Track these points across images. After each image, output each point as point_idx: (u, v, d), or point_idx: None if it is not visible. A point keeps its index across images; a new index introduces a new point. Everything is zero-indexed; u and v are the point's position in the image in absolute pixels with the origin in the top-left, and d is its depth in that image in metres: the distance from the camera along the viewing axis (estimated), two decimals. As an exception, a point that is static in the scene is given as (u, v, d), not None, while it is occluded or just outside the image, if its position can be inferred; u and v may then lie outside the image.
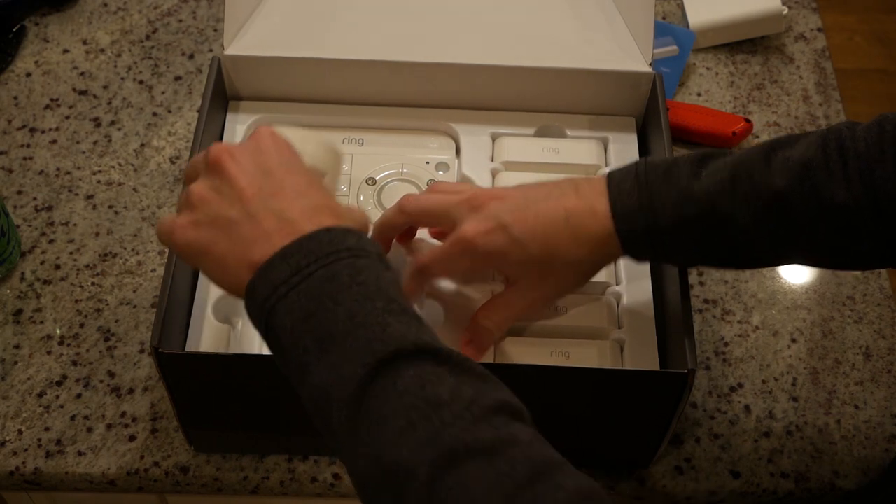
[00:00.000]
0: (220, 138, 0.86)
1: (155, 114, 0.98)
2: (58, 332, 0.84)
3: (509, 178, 0.84)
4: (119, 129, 0.97)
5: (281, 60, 0.86)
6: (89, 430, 0.79)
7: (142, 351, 0.83)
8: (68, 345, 0.83)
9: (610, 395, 0.71)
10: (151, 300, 0.86)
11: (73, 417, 0.79)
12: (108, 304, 0.85)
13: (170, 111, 0.99)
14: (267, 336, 0.57)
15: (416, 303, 0.74)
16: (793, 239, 0.65)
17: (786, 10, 1.05)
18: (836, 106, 1.02)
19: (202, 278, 0.78)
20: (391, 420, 0.51)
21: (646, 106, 0.87)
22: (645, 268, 0.80)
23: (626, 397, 0.71)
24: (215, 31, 1.05)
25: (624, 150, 0.87)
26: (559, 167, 0.84)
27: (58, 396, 0.80)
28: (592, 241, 0.67)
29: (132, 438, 0.79)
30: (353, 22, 0.89)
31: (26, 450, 0.78)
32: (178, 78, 1.02)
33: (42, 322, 0.84)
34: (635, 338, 0.76)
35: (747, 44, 1.07)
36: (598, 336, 0.77)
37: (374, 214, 0.80)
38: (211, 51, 1.04)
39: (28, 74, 1.02)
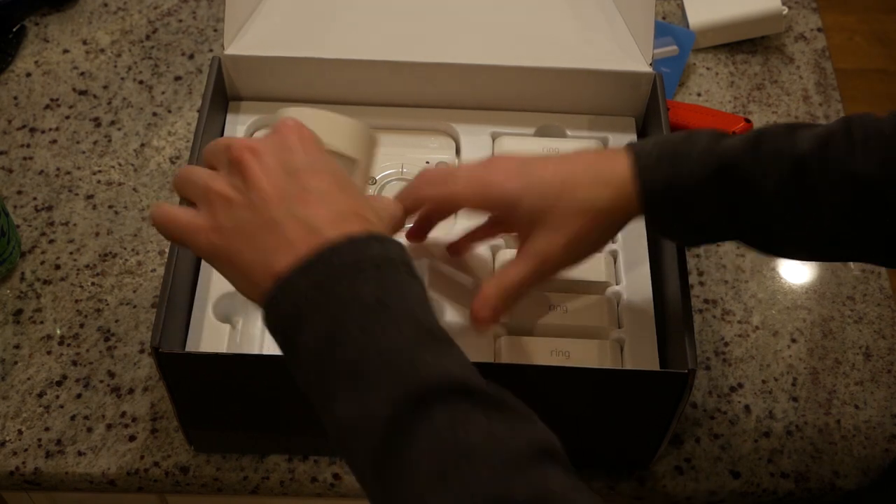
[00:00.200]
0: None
1: (155, 114, 0.98)
2: (58, 332, 0.84)
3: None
4: (119, 129, 0.97)
5: (281, 60, 0.86)
6: (89, 430, 0.79)
7: (142, 351, 0.83)
8: (68, 345, 0.83)
9: (610, 395, 0.71)
10: (151, 300, 0.86)
11: (73, 417, 0.79)
12: (108, 304, 0.85)
13: (170, 111, 0.99)
14: (285, 349, 0.55)
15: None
16: (813, 208, 0.63)
17: (786, 10, 1.05)
18: (836, 106, 1.02)
19: (202, 278, 0.78)
20: (421, 467, 0.48)
21: (646, 106, 0.87)
22: (645, 268, 0.80)
23: (626, 397, 0.71)
24: (215, 31, 1.05)
25: (624, 150, 0.87)
26: (559, 167, 0.84)
27: (58, 396, 0.80)
28: (613, 185, 0.65)
29: (132, 438, 0.79)
30: (353, 22, 0.89)
31: (26, 450, 0.78)
32: (178, 78, 1.02)
33: (42, 322, 0.84)
34: (635, 337, 0.76)
35: (747, 44, 1.07)
36: (599, 335, 0.77)
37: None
38: (211, 51, 1.04)
39: (28, 74, 1.02)
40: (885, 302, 0.88)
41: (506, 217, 0.69)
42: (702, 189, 0.64)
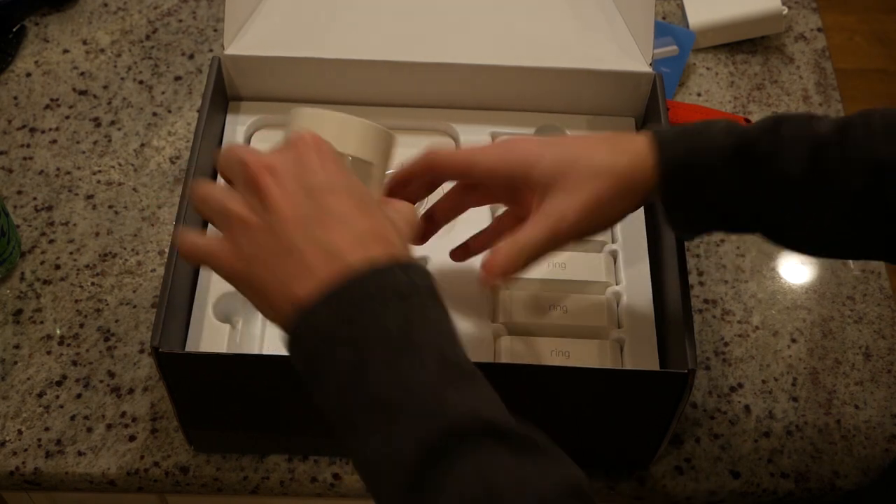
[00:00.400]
0: (220, 138, 0.86)
1: (155, 114, 0.98)
2: (58, 332, 0.84)
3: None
4: (119, 129, 0.97)
5: (281, 60, 0.86)
6: (89, 430, 0.79)
7: (142, 351, 0.83)
8: (68, 345, 0.83)
9: (610, 395, 0.71)
10: (151, 300, 0.86)
11: (73, 417, 0.79)
12: (108, 304, 0.85)
13: (170, 111, 0.99)
14: (307, 377, 0.54)
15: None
16: (829, 191, 0.63)
17: (786, 10, 1.05)
18: (836, 106, 1.02)
19: (202, 278, 0.78)
20: None
21: (646, 106, 0.87)
22: (645, 268, 0.80)
23: (626, 397, 0.71)
24: (215, 31, 1.05)
25: (624, 150, 0.87)
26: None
27: (58, 396, 0.80)
28: (631, 152, 0.65)
29: (132, 438, 0.79)
30: (353, 22, 0.89)
31: (26, 450, 0.78)
32: (178, 78, 1.02)
33: (42, 322, 0.84)
34: (635, 337, 0.76)
35: (747, 44, 1.07)
36: (598, 335, 0.77)
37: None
38: (211, 51, 1.04)
39: (28, 74, 1.02)
40: (885, 302, 0.88)
41: (521, 182, 0.66)
42: (720, 164, 0.63)
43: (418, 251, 0.76)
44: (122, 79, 1.01)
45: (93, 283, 0.87)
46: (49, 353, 0.83)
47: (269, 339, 0.80)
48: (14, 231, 0.86)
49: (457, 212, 0.72)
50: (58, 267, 0.87)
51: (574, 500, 0.49)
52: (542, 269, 0.79)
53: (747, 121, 0.96)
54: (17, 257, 0.87)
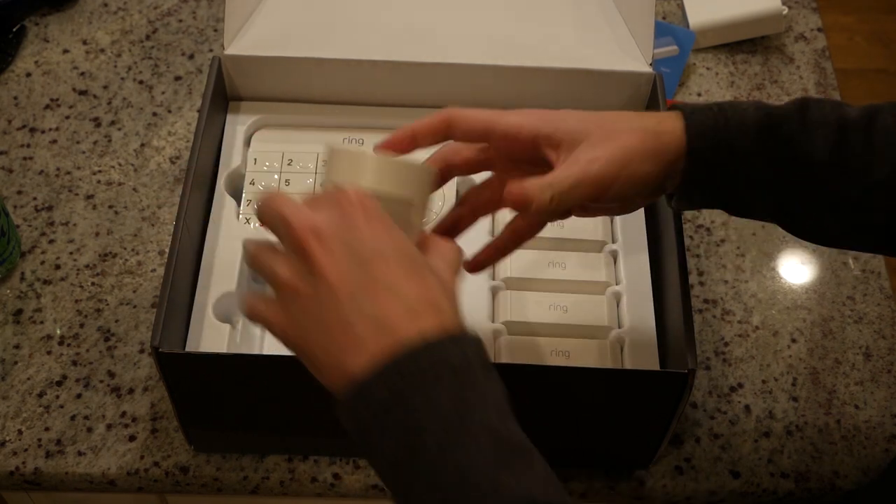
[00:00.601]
0: (221, 138, 0.86)
1: (155, 114, 0.98)
2: (58, 332, 0.84)
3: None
4: (119, 129, 0.97)
5: (281, 60, 0.86)
6: (89, 430, 0.79)
7: (142, 351, 0.83)
8: (68, 345, 0.83)
9: (610, 395, 0.71)
10: (151, 300, 0.86)
11: (73, 417, 0.79)
12: (108, 304, 0.85)
13: (170, 111, 0.99)
14: (361, 447, 0.53)
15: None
16: (853, 176, 0.62)
17: (786, 10, 1.05)
18: (836, 106, 1.02)
19: (202, 278, 0.78)
20: None
21: (646, 106, 0.87)
22: (645, 268, 0.80)
23: (626, 397, 0.71)
24: (215, 31, 1.05)
25: (624, 150, 0.87)
26: (559, 167, 0.84)
27: (58, 396, 0.80)
28: (659, 116, 0.64)
29: (132, 438, 0.79)
30: (354, 22, 0.89)
31: (26, 450, 0.78)
32: (178, 78, 1.02)
33: (42, 322, 0.84)
34: (635, 337, 0.76)
35: (747, 44, 1.07)
36: (599, 335, 0.77)
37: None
38: (211, 51, 1.04)
39: (28, 74, 1.02)
40: (885, 302, 0.88)
41: (545, 140, 0.64)
42: (747, 136, 0.63)
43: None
44: (122, 79, 1.01)
45: (93, 283, 0.87)
46: (49, 353, 0.83)
47: (269, 339, 0.80)
48: (14, 231, 0.86)
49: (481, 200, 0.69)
50: (58, 267, 0.87)
51: None
52: (543, 269, 0.79)
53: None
54: (17, 257, 0.87)
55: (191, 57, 1.03)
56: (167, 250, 0.80)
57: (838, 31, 2.25)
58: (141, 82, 1.01)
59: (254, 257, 0.56)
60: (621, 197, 0.64)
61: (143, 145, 0.96)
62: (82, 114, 0.98)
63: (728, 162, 0.63)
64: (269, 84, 0.87)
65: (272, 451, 0.78)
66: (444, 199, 0.82)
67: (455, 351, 0.52)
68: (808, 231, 0.67)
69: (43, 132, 0.97)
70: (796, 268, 0.91)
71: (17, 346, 0.83)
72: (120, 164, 0.95)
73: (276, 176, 0.84)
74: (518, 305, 0.78)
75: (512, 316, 0.77)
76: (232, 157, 0.85)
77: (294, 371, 0.56)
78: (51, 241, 0.89)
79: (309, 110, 0.88)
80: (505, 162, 0.66)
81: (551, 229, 0.70)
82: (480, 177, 0.68)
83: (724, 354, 0.84)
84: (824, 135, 0.62)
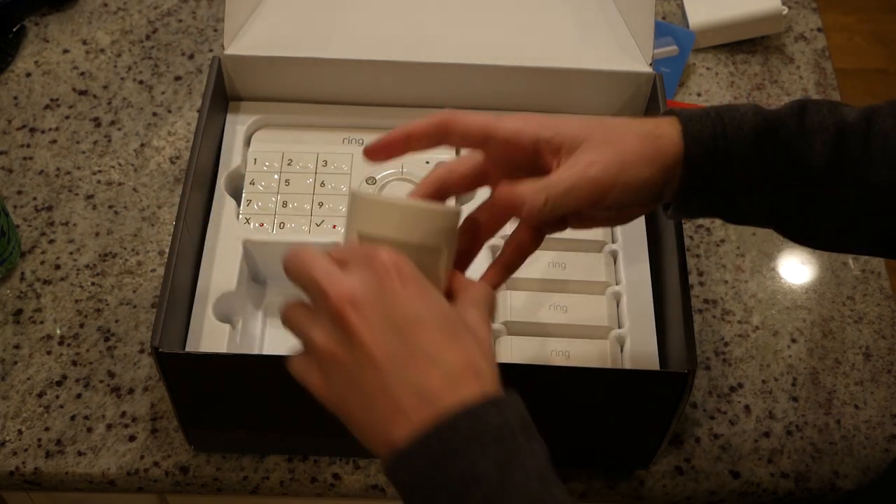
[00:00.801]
0: (221, 138, 0.86)
1: (155, 114, 0.98)
2: (58, 332, 0.84)
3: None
4: (119, 129, 0.97)
5: (281, 60, 0.86)
6: (89, 430, 0.79)
7: (142, 351, 0.83)
8: (68, 345, 0.83)
9: (610, 395, 0.71)
10: (151, 300, 0.86)
11: (73, 417, 0.79)
12: (108, 304, 0.85)
13: (170, 111, 0.99)
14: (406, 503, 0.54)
15: None
16: (851, 179, 0.62)
17: (786, 10, 1.05)
18: (836, 106, 1.02)
19: (202, 278, 0.78)
20: None
21: (646, 106, 0.87)
22: (645, 268, 0.80)
23: (626, 397, 0.71)
24: (215, 31, 1.05)
25: (624, 150, 0.87)
26: (559, 167, 0.84)
27: (58, 396, 0.80)
28: (656, 121, 0.64)
29: (132, 438, 0.79)
30: (353, 22, 0.89)
31: (26, 450, 0.78)
32: (178, 78, 1.02)
33: (42, 322, 0.84)
34: (635, 337, 0.76)
35: (747, 44, 1.07)
36: (599, 335, 0.77)
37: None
38: (211, 51, 1.04)
39: (28, 74, 1.02)
40: (885, 302, 0.88)
41: (545, 144, 0.63)
42: (745, 140, 0.62)
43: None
44: (122, 79, 1.01)
45: (93, 283, 0.87)
46: (49, 353, 0.83)
47: (269, 339, 0.80)
48: (14, 231, 0.86)
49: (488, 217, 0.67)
50: (58, 267, 0.87)
51: None
52: (543, 269, 0.79)
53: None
54: (17, 257, 0.87)
55: (191, 57, 1.03)
56: (167, 250, 0.80)
57: (838, 31, 2.25)
58: (141, 82, 1.01)
59: (287, 318, 0.55)
60: (619, 203, 0.63)
61: (143, 145, 0.96)
62: (82, 114, 0.98)
63: (726, 167, 0.63)
64: (268, 84, 0.87)
65: (272, 451, 0.78)
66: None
67: (496, 418, 0.52)
68: (806, 235, 0.67)
69: (43, 132, 0.97)
70: (796, 268, 0.91)
71: (17, 346, 0.83)
72: (120, 164, 0.95)
73: (276, 176, 0.84)
74: (518, 305, 0.78)
75: (512, 316, 0.77)
76: (232, 157, 0.85)
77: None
78: (51, 241, 0.89)
79: (309, 110, 0.88)
80: (501, 173, 0.65)
81: (551, 229, 0.70)
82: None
83: (724, 354, 0.84)
84: (822, 139, 0.62)
